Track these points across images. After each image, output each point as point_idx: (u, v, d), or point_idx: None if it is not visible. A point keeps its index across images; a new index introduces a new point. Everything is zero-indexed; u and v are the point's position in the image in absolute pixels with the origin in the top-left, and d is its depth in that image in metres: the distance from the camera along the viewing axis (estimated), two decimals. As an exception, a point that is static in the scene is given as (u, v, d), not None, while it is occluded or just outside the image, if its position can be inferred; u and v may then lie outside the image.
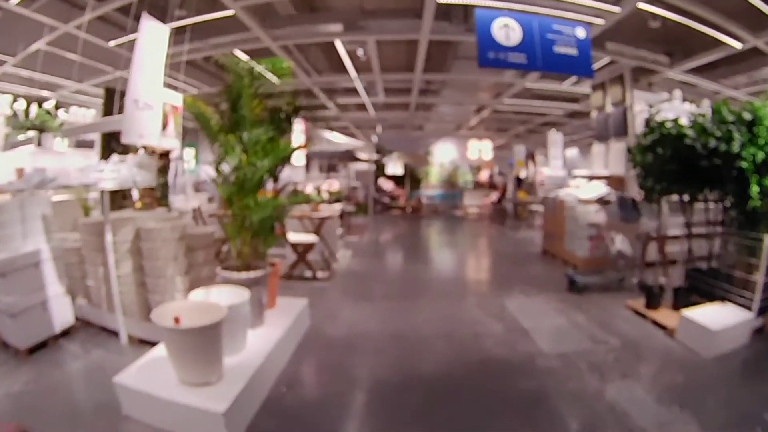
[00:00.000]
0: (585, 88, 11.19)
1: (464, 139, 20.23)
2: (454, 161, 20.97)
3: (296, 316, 4.70)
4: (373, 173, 21.01)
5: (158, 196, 7.28)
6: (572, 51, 5.57)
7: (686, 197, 5.42)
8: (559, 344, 4.58)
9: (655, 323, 5.10)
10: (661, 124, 5.13)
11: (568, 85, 11.21)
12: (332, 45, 8.99)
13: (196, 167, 16.65)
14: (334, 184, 8.42)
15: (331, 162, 22.80)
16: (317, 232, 7.27)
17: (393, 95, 13.45)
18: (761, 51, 7.82)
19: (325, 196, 8.06)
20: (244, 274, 4.03)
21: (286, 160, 4.47)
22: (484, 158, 19.85)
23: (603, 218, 7.30)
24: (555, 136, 12.80)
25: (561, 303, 5.90)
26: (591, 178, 8.97)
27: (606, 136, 10.02)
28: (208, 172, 14.89)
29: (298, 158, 8.85)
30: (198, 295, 3.83)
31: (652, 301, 5.38)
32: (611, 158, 9.87)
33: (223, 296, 3.80)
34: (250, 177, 3.92)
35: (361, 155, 20.30)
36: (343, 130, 21.38)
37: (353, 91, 13.20)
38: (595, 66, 9.71)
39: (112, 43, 7.70)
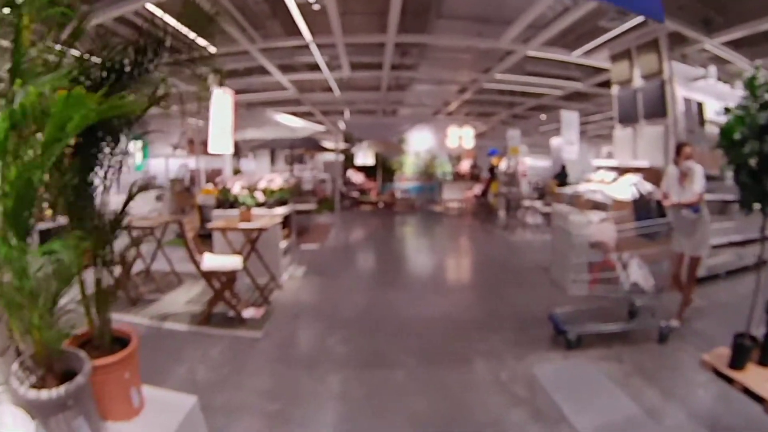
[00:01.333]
0: (599, 60, 9.18)
1: (442, 125, 18.04)
2: (431, 150, 18.82)
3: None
4: (341, 164, 18.78)
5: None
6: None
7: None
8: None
9: (748, 392, 3.07)
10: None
11: (578, 56, 9.17)
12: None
13: (144, 162, 14.36)
14: (275, 180, 6.09)
15: (297, 153, 20.48)
16: (250, 251, 5.01)
17: (361, 70, 11.22)
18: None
19: (260, 197, 5.73)
20: (32, 394, 1.78)
21: (114, 140, 2.23)
22: (465, 147, 17.63)
23: (611, 234, 4.40)
24: (569, 116, 10.35)
25: (613, 363, 3.81)
26: (621, 170, 6.89)
27: (632, 118, 8.00)
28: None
29: (222, 146, 6.50)
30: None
31: (741, 359, 3.32)
32: (642, 146, 7.84)
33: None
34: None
35: (327, 144, 17.97)
36: (307, 117, 19.01)
37: (315, 68, 10.94)
38: (621, 29, 7.77)
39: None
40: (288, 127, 9.43)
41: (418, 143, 18.74)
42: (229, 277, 4.65)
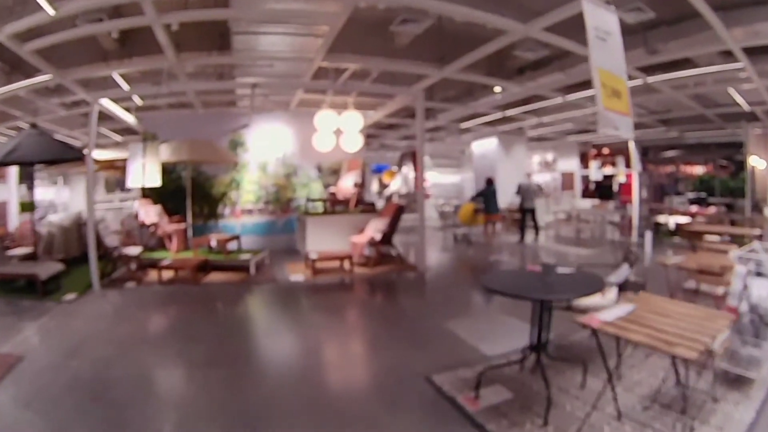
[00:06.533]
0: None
1: (307, 112, 10.01)
2: (287, 159, 10.74)
3: None
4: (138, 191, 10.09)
5: None
6: None
7: None
8: None
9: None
10: None
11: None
12: None
13: None
14: None
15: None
16: None
17: None
18: None
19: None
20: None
21: None
22: (347, 150, 9.67)
23: None
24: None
25: None
26: None
27: None
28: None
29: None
30: None
31: None
32: None
33: None
34: None
35: (98, 154, 9.01)
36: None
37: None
38: None
39: None
40: None
41: (265, 146, 10.58)
42: None
